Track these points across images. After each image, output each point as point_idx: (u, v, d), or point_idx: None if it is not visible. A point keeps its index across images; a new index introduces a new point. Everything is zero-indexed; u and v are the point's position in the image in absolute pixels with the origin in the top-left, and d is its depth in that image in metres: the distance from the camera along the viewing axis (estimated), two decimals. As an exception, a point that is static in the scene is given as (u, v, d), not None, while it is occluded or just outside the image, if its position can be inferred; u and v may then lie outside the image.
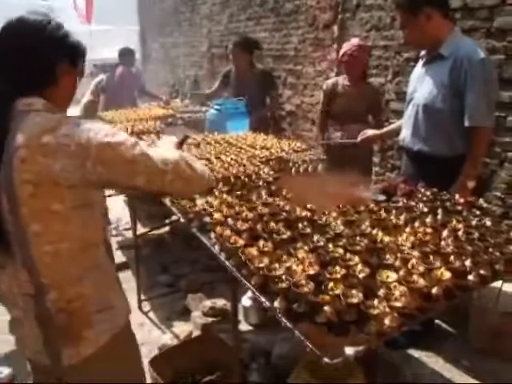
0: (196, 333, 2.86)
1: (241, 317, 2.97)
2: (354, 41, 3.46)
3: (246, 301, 2.96)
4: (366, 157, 3.57)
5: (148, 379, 2.35)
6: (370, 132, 3.01)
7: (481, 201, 1.94)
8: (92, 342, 1.20)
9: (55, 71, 1.21)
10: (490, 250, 1.50)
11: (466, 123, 2.27)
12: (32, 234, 1.09)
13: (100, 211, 1.24)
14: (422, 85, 2.47)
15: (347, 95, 3.46)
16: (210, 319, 2.93)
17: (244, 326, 2.94)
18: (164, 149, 1.48)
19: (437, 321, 2.86)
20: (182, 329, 2.92)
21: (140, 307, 3.27)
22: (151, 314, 3.22)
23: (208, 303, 3.00)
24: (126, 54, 6.11)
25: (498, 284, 2.58)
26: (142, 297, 3.33)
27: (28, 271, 1.12)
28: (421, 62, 2.57)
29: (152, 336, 2.93)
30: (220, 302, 3.01)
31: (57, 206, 1.09)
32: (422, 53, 2.56)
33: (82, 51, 1.31)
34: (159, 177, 1.19)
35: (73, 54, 1.27)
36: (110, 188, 1.21)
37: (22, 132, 1.08)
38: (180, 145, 1.62)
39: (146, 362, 2.34)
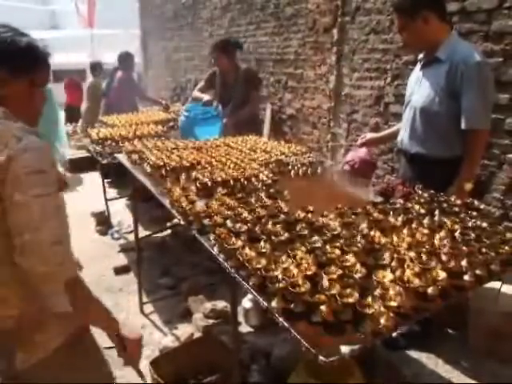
0: (197, 335, 2.88)
1: (241, 319, 2.99)
2: (360, 153, 3.12)
3: (246, 303, 2.98)
4: None
5: (149, 380, 2.37)
6: (370, 135, 3.03)
7: (476, 202, 1.96)
8: (44, 346, 1.22)
9: None
10: (486, 250, 1.51)
11: (463, 126, 2.29)
12: None
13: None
14: (419, 88, 2.49)
15: None
16: (210, 321, 2.95)
17: (244, 328, 2.97)
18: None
19: (436, 322, 2.87)
20: (183, 331, 2.94)
21: (141, 309, 3.29)
22: (152, 316, 3.24)
23: (209, 305, 3.02)
24: (124, 59, 6.14)
25: (497, 285, 2.60)
26: (144, 299, 3.35)
27: None
28: (418, 65, 2.60)
29: (153, 338, 2.95)
30: (221, 304, 3.03)
31: None
32: (420, 56, 2.59)
33: (30, 59, 1.25)
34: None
35: (12, 63, 1.21)
36: None
37: None
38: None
39: (147, 363, 2.37)
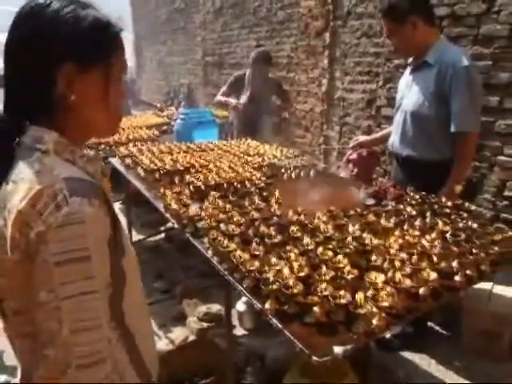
0: (191, 338, 2.88)
1: (236, 322, 3.00)
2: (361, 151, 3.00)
3: (240, 306, 2.99)
4: None
5: (144, 384, 2.37)
6: (362, 138, 3.06)
7: (467, 204, 1.99)
8: None
9: (55, 79, 0.86)
10: (476, 251, 1.53)
11: (453, 129, 2.32)
12: None
13: None
14: (409, 92, 2.52)
15: None
16: (205, 324, 2.95)
17: (239, 331, 2.97)
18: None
19: (429, 323, 2.89)
20: (178, 334, 2.93)
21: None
22: (147, 321, 3.23)
23: (203, 308, 3.03)
24: None
25: (488, 285, 2.64)
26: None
27: None
28: (408, 69, 2.63)
29: (148, 342, 2.95)
30: (215, 308, 3.03)
31: None
32: (409, 60, 2.62)
33: (103, 41, 0.90)
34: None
35: (79, 51, 0.87)
36: None
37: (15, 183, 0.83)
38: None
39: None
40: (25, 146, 0.87)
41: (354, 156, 2.94)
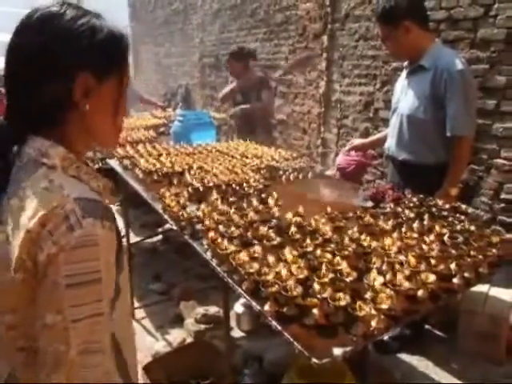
0: (189, 340, 2.88)
1: (234, 324, 3.00)
2: (354, 156, 2.95)
3: (238, 307, 2.99)
4: None
5: (141, 386, 2.36)
6: (358, 141, 3.07)
7: (464, 206, 2.00)
8: None
9: (71, 89, 0.84)
10: (474, 253, 1.54)
11: (448, 133, 2.33)
12: None
13: None
14: (405, 95, 2.53)
15: None
16: (202, 326, 2.95)
17: (237, 333, 2.97)
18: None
19: (426, 325, 2.90)
20: (175, 336, 2.94)
21: (133, 315, 3.28)
22: (144, 322, 3.23)
23: (201, 310, 3.03)
24: None
25: (485, 288, 2.65)
26: (136, 304, 3.34)
27: None
28: (404, 73, 2.64)
29: (145, 343, 2.95)
30: (213, 309, 3.04)
31: None
32: (405, 64, 2.63)
33: (119, 51, 0.91)
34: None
35: (102, 59, 0.87)
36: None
37: (21, 200, 0.81)
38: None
39: (139, 368, 2.36)
40: (28, 158, 0.85)
41: (343, 164, 2.95)
